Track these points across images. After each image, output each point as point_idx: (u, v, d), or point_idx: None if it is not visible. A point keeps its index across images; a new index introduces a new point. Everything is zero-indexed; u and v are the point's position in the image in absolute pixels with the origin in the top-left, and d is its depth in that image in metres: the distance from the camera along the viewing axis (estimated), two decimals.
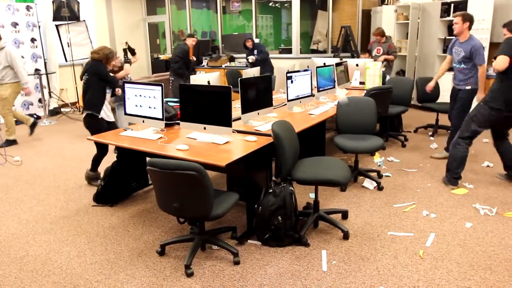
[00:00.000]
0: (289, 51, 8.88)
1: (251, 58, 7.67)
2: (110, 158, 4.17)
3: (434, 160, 4.77)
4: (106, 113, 4.19)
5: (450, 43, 4.78)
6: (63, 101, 8.58)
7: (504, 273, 2.59)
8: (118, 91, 4.40)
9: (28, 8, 7.81)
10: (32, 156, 5.40)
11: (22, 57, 7.74)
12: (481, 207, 3.52)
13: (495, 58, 3.62)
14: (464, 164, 3.95)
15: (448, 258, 2.77)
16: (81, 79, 4.19)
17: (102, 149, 4.18)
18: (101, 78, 4.08)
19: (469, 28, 4.45)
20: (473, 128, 3.85)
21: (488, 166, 4.55)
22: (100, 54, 4.11)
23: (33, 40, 7.93)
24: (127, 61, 4.89)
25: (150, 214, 3.59)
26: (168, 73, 7.56)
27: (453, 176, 3.96)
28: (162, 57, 10.16)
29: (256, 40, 9.06)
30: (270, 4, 9.96)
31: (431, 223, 3.27)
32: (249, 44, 7.84)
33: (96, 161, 4.24)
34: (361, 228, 3.22)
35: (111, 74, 4.24)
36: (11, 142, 5.90)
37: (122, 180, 3.86)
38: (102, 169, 4.14)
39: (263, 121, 3.76)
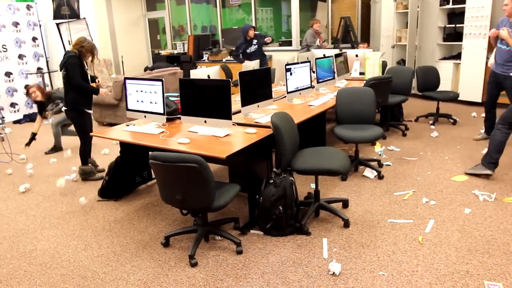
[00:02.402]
0: (290, 43, 8.88)
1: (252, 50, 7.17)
2: (114, 154, 4.24)
3: (435, 148, 4.81)
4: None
5: (497, 23, 4.53)
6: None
7: (502, 256, 2.64)
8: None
9: (28, 7, 7.86)
10: (37, 154, 5.48)
11: (24, 56, 7.82)
12: (480, 193, 3.56)
13: None
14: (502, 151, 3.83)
15: (447, 243, 2.82)
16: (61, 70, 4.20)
17: (86, 142, 4.28)
18: (75, 70, 4.05)
19: None
20: None
21: None
22: (74, 50, 4.09)
23: (34, 39, 7.99)
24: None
25: (154, 207, 3.66)
26: (170, 68, 7.60)
27: (488, 161, 3.86)
28: (163, 52, 10.20)
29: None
30: None
31: (431, 210, 3.32)
32: (252, 33, 7.17)
33: (83, 154, 4.31)
34: (362, 216, 3.27)
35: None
36: None
37: (126, 175, 3.93)
38: (105, 164, 4.23)
39: (263, 113, 3.80)
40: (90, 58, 4.16)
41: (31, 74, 7.85)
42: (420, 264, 2.61)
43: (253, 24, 9.29)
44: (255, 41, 7.24)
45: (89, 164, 4.42)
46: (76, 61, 4.04)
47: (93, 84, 4.30)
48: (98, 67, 8.92)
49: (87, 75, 4.18)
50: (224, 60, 9.19)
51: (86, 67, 4.21)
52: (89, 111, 4.28)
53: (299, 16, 8.61)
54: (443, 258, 2.66)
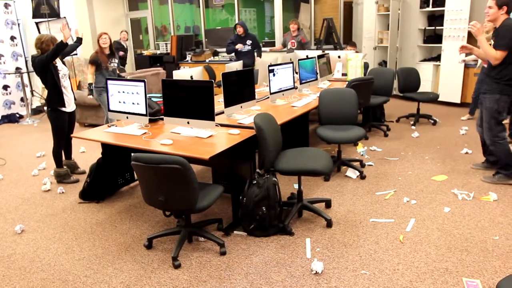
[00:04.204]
0: (273, 44, 8.91)
1: (239, 46, 7.10)
2: (96, 155, 4.18)
3: (416, 149, 4.89)
4: (67, 102, 4.19)
5: None
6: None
7: (480, 253, 2.71)
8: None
9: (6, 5, 7.69)
10: (16, 156, 5.37)
11: (2, 55, 7.64)
12: (459, 192, 3.64)
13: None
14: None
15: (427, 242, 2.88)
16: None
17: (59, 143, 4.20)
18: (44, 67, 3.95)
19: None
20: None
21: (466, 153, 4.68)
22: (37, 50, 4.00)
23: (12, 38, 7.82)
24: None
25: (137, 209, 3.63)
26: (153, 68, 7.55)
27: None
28: (145, 53, 10.11)
29: None
30: None
31: (411, 209, 3.38)
32: (240, 30, 7.10)
33: (56, 156, 4.23)
34: (344, 216, 3.31)
35: (60, 70, 4.11)
36: None
37: (108, 176, 3.88)
38: (84, 164, 4.16)
39: (246, 114, 3.81)
40: None
41: (9, 74, 7.67)
42: (401, 262, 2.66)
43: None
44: (249, 42, 7.17)
45: (64, 167, 4.34)
46: (41, 57, 3.94)
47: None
48: (79, 67, 8.77)
49: (56, 69, 4.05)
50: (207, 60, 9.16)
51: (56, 62, 4.08)
52: (66, 110, 4.17)
53: (282, 17, 8.65)
54: (423, 256, 2.71)
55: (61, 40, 3.92)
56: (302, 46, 7.31)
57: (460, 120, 6.12)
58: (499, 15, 3.49)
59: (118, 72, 5.46)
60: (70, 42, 4.20)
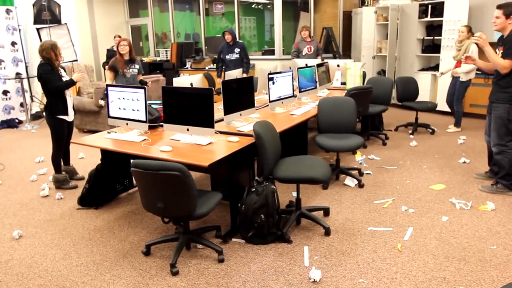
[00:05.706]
0: (272, 52, 8.97)
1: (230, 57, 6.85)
2: (95, 161, 4.18)
3: (414, 158, 4.91)
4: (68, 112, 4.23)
5: None
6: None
7: (477, 263, 2.72)
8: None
9: (8, 11, 7.73)
10: (15, 161, 5.37)
11: (3, 61, 7.66)
12: (457, 202, 3.65)
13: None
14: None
15: (425, 251, 2.88)
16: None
17: (57, 148, 4.22)
18: (41, 80, 4.07)
19: None
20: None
21: (464, 162, 4.70)
22: (41, 56, 4.06)
23: (13, 43, 7.85)
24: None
25: (135, 215, 3.63)
26: (153, 75, 7.57)
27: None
28: (145, 59, 10.15)
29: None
30: (253, 6, 10.05)
31: (410, 218, 3.39)
32: (228, 37, 6.81)
33: (55, 161, 4.25)
34: (342, 224, 3.31)
35: (64, 77, 4.17)
36: None
37: (107, 182, 3.88)
38: (82, 169, 4.16)
39: (245, 122, 3.82)
40: (54, 56, 4.09)
41: (9, 79, 7.69)
42: (399, 271, 2.66)
43: (237, 33, 9.33)
44: (237, 50, 6.96)
45: (63, 172, 4.35)
46: (47, 68, 4.01)
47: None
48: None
49: (61, 77, 4.12)
50: (207, 68, 9.20)
51: (60, 70, 4.16)
52: (67, 118, 4.20)
53: (282, 26, 8.71)
54: (421, 265, 2.71)
55: (72, 79, 4.16)
56: (317, 52, 7.16)
57: (458, 130, 6.14)
58: (506, 24, 3.55)
59: (139, 78, 5.37)
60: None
